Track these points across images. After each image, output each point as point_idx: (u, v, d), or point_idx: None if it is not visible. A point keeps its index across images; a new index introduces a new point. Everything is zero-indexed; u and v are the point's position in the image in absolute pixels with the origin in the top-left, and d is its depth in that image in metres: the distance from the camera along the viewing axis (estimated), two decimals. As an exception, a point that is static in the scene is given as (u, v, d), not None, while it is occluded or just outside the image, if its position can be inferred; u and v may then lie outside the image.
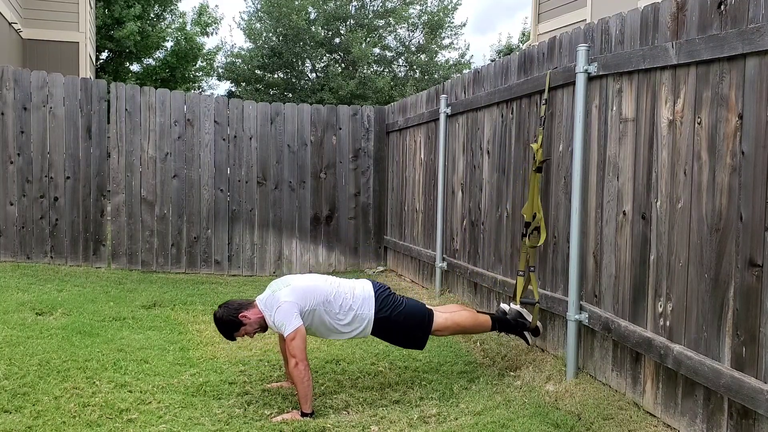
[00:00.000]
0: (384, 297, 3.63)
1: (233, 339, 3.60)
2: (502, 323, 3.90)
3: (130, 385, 3.66)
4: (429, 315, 3.69)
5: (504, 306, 4.06)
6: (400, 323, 3.61)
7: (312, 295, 3.48)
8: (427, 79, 24.99)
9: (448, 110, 5.97)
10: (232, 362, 4.14)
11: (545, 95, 4.16)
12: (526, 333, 3.98)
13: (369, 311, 3.56)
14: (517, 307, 4.00)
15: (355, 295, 3.58)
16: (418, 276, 6.96)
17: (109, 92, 7.45)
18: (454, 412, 3.41)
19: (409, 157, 7.24)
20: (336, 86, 23.00)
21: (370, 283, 3.69)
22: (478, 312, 3.97)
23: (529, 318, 3.97)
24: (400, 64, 26.01)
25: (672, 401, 3.11)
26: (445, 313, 3.81)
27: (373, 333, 3.64)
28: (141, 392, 3.56)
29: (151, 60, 21.00)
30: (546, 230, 4.01)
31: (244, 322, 3.48)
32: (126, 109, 7.37)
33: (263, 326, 3.53)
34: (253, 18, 25.27)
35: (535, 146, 4.03)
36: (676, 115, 3.09)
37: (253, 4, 25.54)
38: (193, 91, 22.67)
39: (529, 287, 4.06)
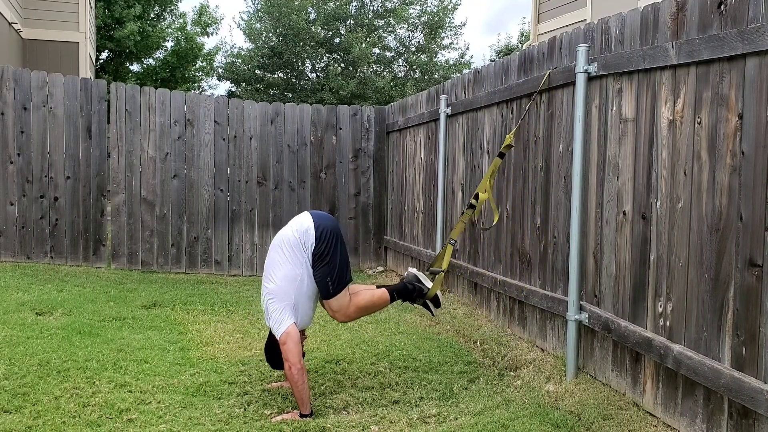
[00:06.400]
0: (326, 234, 3.55)
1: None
2: (400, 291, 3.86)
3: (130, 385, 3.66)
4: (347, 282, 3.62)
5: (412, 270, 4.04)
6: (327, 265, 3.52)
7: (288, 285, 3.46)
8: (427, 79, 25.01)
9: (448, 110, 5.97)
10: (232, 362, 4.14)
11: (537, 92, 4.17)
12: (429, 303, 3.94)
13: (312, 241, 3.52)
14: (414, 270, 3.98)
15: (299, 232, 3.54)
16: (418, 276, 6.96)
17: (109, 92, 7.45)
18: (454, 412, 3.41)
19: (409, 157, 7.24)
20: (336, 86, 23.01)
21: (308, 216, 3.62)
22: (376, 287, 3.85)
23: (428, 284, 3.92)
24: (400, 64, 26.03)
25: (672, 401, 3.11)
26: (350, 295, 3.70)
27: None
28: (141, 392, 3.56)
29: (151, 60, 21.00)
30: (497, 211, 3.99)
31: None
32: (126, 109, 7.37)
33: None
34: (253, 18, 25.29)
35: (509, 135, 4.14)
36: (676, 115, 3.09)
37: (253, 4, 25.56)
38: (193, 91, 22.68)
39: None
